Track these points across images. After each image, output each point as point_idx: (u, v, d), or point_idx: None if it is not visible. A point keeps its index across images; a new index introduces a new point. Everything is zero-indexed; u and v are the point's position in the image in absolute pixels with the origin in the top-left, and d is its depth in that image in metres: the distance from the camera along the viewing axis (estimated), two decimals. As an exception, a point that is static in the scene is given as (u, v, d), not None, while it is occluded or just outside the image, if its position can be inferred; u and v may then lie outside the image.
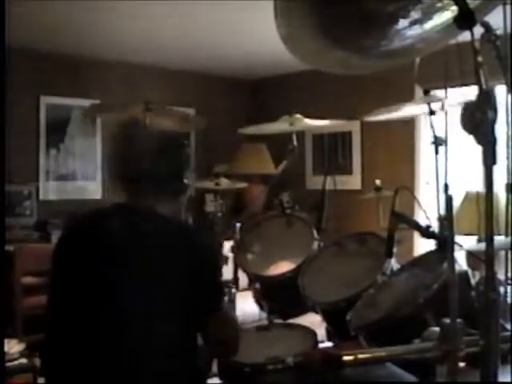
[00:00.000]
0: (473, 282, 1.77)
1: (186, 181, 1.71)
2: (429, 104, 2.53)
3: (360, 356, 1.18)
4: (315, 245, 2.48)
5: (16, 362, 2.92)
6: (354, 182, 5.44)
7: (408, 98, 3.82)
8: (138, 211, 1.60)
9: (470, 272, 1.78)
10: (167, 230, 1.58)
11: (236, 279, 2.61)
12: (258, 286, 2.48)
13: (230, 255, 2.73)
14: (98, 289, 1.50)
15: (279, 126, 2.88)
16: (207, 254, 1.63)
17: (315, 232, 2.53)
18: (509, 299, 1.91)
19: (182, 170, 1.71)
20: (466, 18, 0.91)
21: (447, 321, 1.05)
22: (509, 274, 1.60)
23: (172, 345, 1.49)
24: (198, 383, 1.71)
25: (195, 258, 1.53)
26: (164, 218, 1.61)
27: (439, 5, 1.01)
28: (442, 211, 2.13)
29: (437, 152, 2.49)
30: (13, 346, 2.97)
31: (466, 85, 2.09)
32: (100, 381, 1.47)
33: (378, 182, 3.81)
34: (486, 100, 0.91)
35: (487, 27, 1.47)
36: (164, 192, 1.65)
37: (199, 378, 1.74)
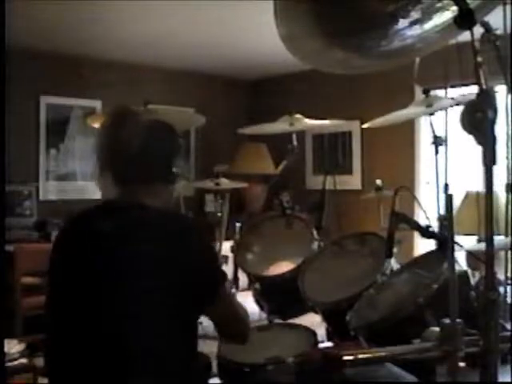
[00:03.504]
0: (473, 281, 1.77)
1: (175, 170, 1.67)
2: (429, 105, 2.53)
3: (360, 356, 1.18)
4: (315, 245, 2.48)
5: (16, 362, 2.92)
6: (354, 182, 5.44)
7: (408, 97, 3.82)
8: (127, 206, 1.57)
9: (469, 272, 1.78)
10: (158, 223, 1.55)
11: (236, 279, 2.61)
12: (257, 286, 2.48)
13: (230, 255, 2.73)
14: (94, 288, 1.49)
15: (279, 126, 2.87)
16: (198, 239, 1.58)
17: (315, 232, 2.53)
18: (509, 299, 1.91)
19: (171, 158, 1.65)
20: (465, 18, 0.92)
21: (447, 321, 1.05)
22: (509, 274, 1.60)
23: (171, 341, 1.49)
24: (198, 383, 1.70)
25: (187, 246, 1.52)
26: (154, 210, 1.58)
27: (439, 5, 1.01)
28: (442, 211, 2.13)
29: (437, 152, 2.49)
30: (13, 346, 2.97)
31: (466, 85, 2.10)
32: (99, 379, 1.47)
33: (378, 181, 3.82)
34: (485, 100, 0.91)
35: (487, 27, 1.47)
36: (153, 181, 1.62)
37: (199, 378, 1.74)
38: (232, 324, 1.67)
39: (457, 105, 2.36)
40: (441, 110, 2.48)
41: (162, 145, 1.64)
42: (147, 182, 1.61)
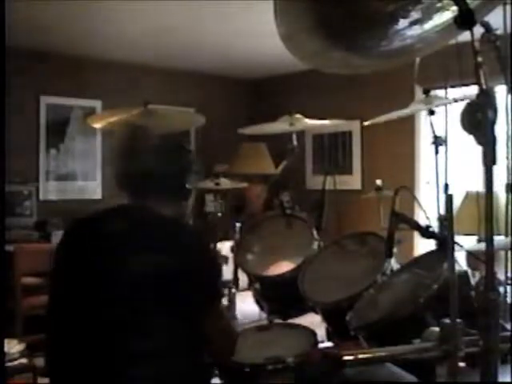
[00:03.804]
0: (473, 281, 1.77)
1: (188, 186, 1.71)
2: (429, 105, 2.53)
3: (360, 356, 1.18)
4: (315, 245, 2.48)
5: (16, 362, 2.92)
6: (354, 182, 5.44)
7: (408, 97, 3.83)
8: (140, 212, 1.60)
9: (469, 272, 1.78)
10: (166, 231, 1.58)
11: (236, 279, 2.61)
12: (257, 286, 2.48)
13: (230, 255, 2.73)
14: (98, 291, 1.50)
15: (279, 126, 2.87)
16: (203, 253, 1.62)
17: (315, 232, 2.53)
18: (509, 299, 1.91)
19: (183, 176, 1.71)
20: (466, 18, 0.92)
21: (447, 321, 1.05)
22: (509, 274, 1.60)
23: (175, 343, 1.49)
24: (202, 382, 1.70)
25: (191, 258, 1.53)
26: (164, 219, 1.61)
27: (439, 5, 1.01)
28: (442, 211, 2.13)
29: (437, 152, 2.49)
30: (13, 346, 2.97)
31: (466, 85, 2.09)
32: (100, 380, 1.47)
33: (378, 181, 3.82)
34: (485, 100, 0.91)
35: (487, 27, 1.47)
36: (166, 197, 1.67)
37: (204, 376, 1.74)
38: (217, 340, 1.65)
39: (456, 101, 2.36)
40: (440, 105, 2.48)
41: (173, 161, 1.70)
42: (159, 197, 1.65)
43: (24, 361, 2.96)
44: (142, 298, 1.47)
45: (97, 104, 5.31)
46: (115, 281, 1.49)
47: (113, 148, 1.80)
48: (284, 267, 2.46)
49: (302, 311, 2.38)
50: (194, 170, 1.76)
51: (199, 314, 1.55)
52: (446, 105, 2.43)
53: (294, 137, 2.80)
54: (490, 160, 0.91)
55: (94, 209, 1.64)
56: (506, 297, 1.84)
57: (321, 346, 2.24)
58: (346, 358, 1.14)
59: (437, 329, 1.09)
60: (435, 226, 1.88)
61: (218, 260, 1.69)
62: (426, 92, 2.56)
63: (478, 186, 2.93)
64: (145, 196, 1.63)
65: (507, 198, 1.51)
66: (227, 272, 2.91)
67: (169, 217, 1.64)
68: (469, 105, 0.92)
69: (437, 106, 2.50)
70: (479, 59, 0.94)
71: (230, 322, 1.70)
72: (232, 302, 2.51)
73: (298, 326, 2.34)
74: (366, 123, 2.76)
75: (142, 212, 1.60)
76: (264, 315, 2.60)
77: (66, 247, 1.62)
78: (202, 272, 1.56)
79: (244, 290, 2.67)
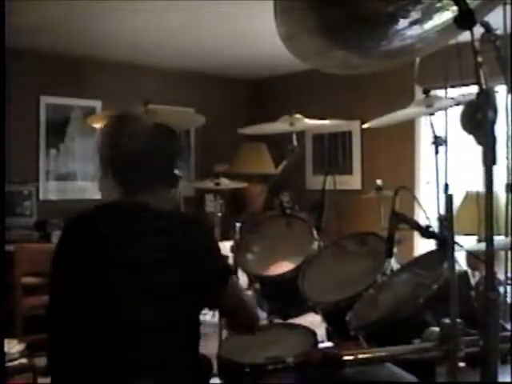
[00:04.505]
0: (473, 281, 1.77)
1: (177, 172, 1.68)
2: (429, 105, 2.53)
3: (360, 356, 1.18)
4: (315, 245, 2.48)
5: (16, 362, 2.92)
6: (354, 182, 5.44)
7: (408, 97, 3.83)
8: (132, 207, 1.58)
9: (469, 272, 1.78)
10: (162, 223, 1.57)
11: (236, 279, 2.61)
12: (257, 286, 2.48)
13: (230, 255, 2.73)
14: (98, 289, 1.50)
15: (279, 126, 2.88)
16: (202, 233, 1.63)
17: (315, 232, 2.53)
18: (509, 299, 1.92)
19: (173, 161, 1.67)
20: (466, 18, 0.92)
21: (447, 321, 1.05)
22: (509, 274, 1.60)
23: (176, 341, 1.50)
24: (201, 381, 1.71)
25: (191, 242, 1.55)
26: (158, 210, 1.59)
27: (439, 5, 1.02)
28: (442, 211, 2.13)
29: (437, 152, 2.49)
30: (13, 346, 2.97)
31: (466, 85, 2.09)
32: (102, 378, 1.47)
33: (378, 181, 3.82)
34: (485, 100, 0.91)
35: (487, 27, 1.47)
36: (155, 184, 1.63)
37: (202, 375, 1.75)
38: (241, 312, 1.70)
39: (457, 105, 2.36)
40: (441, 110, 2.48)
41: (164, 148, 1.65)
42: (149, 184, 1.62)
43: (24, 361, 2.96)
44: (144, 295, 1.47)
45: (97, 104, 5.31)
46: (116, 278, 1.48)
47: (102, 133, 1.72)
48: (284, 267, 2.46)
49: (302, 311, 2.38)
50: (183, 156, 1.73)
51: (213, 297, 1.58)
52: (446, 108, 2.43)
53: (294, 137, 2.80)
54: (489, 160, 0.91)
55: (91, 206, 1.62)
56: (506, 297, 1.84)
57: (321, 345, 2.24)
58: (346, 357, 1.14)
59: (437, 329, 1.09)
60: (435, 226, 1.88)
61: (214, 236, 1.70)
62: (426, 92, 2.56)
63: (478, 186, 2.94)
64: (134, 183, 1.60)
65: (507, 197, 1.51)
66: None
67: (166, 209, 1.62)
68: (469, 105, 0.93)
69: (438, 109, 2.50)
70: (479, 59, 0.94)
71: (247, 297, 1.72)
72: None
73: (297, 326, 2.34)
74: (364, 126, 2.76)
75: (140, 207, 1.58)
76: (264, 315, 2.60)
77: (66, 246, 1.61)
78: (210, 256, 1.57)
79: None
